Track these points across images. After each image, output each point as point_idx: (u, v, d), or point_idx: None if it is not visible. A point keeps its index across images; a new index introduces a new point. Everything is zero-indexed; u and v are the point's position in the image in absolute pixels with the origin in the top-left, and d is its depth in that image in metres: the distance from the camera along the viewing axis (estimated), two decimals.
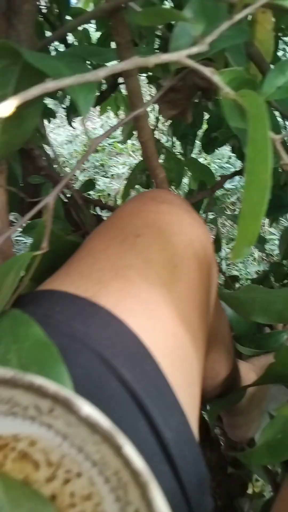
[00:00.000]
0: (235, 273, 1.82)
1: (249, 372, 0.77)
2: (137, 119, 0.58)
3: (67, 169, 2.09)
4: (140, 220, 0.42)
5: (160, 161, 0.71)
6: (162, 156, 1.10)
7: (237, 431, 0.77)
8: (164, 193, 0.47)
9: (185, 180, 1.60)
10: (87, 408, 0.23)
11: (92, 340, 0.34)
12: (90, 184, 0.97)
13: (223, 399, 0.68)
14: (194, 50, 0.35)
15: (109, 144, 2.31)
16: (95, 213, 0.96)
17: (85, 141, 2.23)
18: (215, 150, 1.11)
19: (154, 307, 0.37)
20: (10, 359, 0.33)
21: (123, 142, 1.34)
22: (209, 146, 1.08)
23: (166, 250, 0.40)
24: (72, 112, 1.21)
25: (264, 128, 0.29)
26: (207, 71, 0.34)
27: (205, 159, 2.20)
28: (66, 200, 0.86)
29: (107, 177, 2.23)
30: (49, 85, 0.30)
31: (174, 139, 1.14)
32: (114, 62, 0.39)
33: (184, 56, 0.34)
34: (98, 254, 0.40)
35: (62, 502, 0.26)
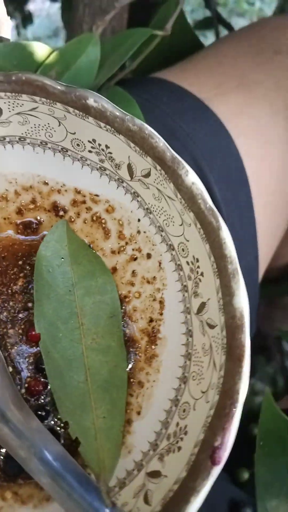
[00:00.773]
0: None
1: None
2: None
3: None
4: (285, 37, 0.34)
5: None
6: None
7: (271, 323, 0.76)
8: None
9: None
10: (194, 176, 0.19)
11: (193, 144, 0.30)
12: None
13: (270, 285, 0.65)
14: None
15: None
16: None
17: None
18: None
19: (271, 138, 0.32)
20: None
21: None
22: None
23: None
24: None
25: None
26: None
27: None
28: None
29: None
30: None
31: None
32: None
33: None
34: (225, 58, 0.34)
35: (121, 277, 0.25)
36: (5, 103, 0.21)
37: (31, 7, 0.97)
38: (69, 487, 0.19)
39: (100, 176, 0.23)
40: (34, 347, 0.24)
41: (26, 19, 0.96)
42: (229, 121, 0.31)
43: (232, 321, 0.18)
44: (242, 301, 0.18)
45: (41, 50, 0.29)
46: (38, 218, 0.25)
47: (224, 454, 0.17)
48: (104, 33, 0.42)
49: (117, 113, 0.20)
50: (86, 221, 0.25)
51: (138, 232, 0.24)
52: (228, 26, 0.53)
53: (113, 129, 0.21)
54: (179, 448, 0.20)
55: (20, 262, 0.25)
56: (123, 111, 0.20)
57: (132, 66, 0.36)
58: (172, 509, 0.17)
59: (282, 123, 0.33)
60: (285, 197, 0.34)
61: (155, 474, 0.20)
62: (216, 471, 0.17)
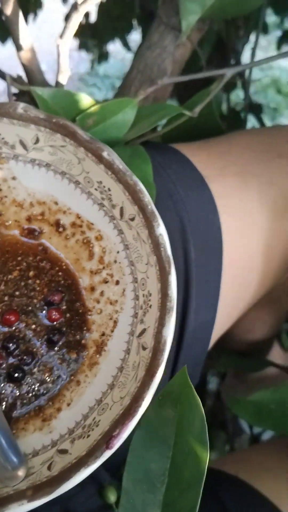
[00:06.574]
0: None
1: (279, 359, 0.76)
2: None
3: None
4: None
5: None
6: None
7: (233, 393, 0.79)
8: None
9: None
10: (163, 229, 0.25)
11: (184, 208, 0.35)
12: None
13: (240, 358, 0.69)
14: None
15: None
16: None
17: None
18: None
19: (252, 222, 0.38)
20: None
21: None
22: None
23: None
24: None
25: None
26: None
27: None
28: None
29: None
30: None
31: None
32: None
33: None
34: (235, 147, 0.40)
35: (92, 294, 0.30)
36: (43, 135, 0.28)
37: (110, 47, 1.06)
38: None
39: (99, 210, 0.29)
40: (6, 328, 0.29)
41: (102, 57, 1.05)
42: (220, 199, 0.37)
43: (158, 345, 0.23)
44: (169, 332, 0.23)
45: (86, 101, 0.36)
46: (41, 228, 0.31)
47: (118, 443, 0.21)
48: (147, 98, 0.50)
49: (121, 167, 0.26)
50: (77, 241, 0.31)
51: (115, 261, 0.29)
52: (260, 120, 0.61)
53: (116, 178, 0.27)
54: (88, 436, 0.24)
55: (19, 258, 0.30)
56: (127, 168, 0.26)
57: (159, 133, 0.43)
58: (65, 475, 0.21)
59: (266, 213, 0.38)
60: (253, 275, 0.40)
61: (63, 452, 0.24)
62: (107, 453, 0.21)
